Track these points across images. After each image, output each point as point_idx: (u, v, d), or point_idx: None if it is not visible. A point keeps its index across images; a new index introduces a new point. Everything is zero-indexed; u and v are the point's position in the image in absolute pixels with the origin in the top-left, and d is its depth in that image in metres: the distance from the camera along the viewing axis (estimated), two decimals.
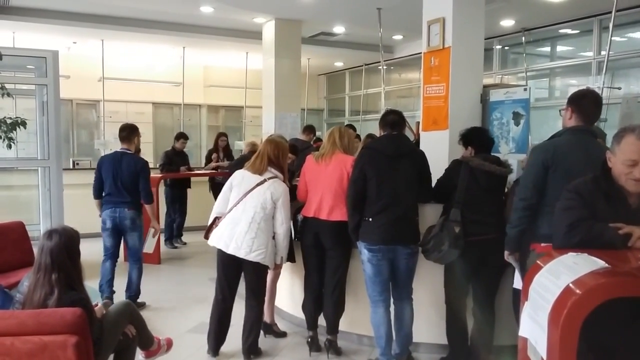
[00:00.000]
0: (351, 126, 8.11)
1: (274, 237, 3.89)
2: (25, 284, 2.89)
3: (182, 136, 8.11)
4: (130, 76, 10.57)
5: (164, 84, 10.93)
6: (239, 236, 3.77)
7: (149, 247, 5.89)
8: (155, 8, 7.69)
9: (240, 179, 3.94)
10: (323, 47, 9.79)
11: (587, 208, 2.16)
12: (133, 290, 5.16)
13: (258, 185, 3.84)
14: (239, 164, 5.13)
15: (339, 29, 8.79)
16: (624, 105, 5.57)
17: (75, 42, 9.38)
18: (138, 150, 5.46)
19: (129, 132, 5.20)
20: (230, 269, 3.90)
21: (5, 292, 3.45)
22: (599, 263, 1.77)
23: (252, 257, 3.76)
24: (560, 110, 3.21)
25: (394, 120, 3.77)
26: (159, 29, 8.58)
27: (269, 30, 8.16)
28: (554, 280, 1.81)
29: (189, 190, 8.28)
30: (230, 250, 3.79)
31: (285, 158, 4.04)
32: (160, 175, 7.64)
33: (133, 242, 5.15)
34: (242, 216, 3.81)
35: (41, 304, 2.76)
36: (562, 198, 2.27)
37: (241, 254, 3.76)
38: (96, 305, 3.20)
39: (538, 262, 2.04)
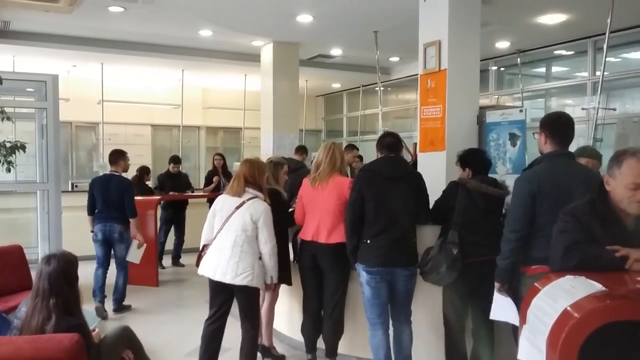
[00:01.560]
0: (354, 146, 8.19)
1: (261, 258, 3.82)
2: (22, 310, 2.88)
3: (172, 160, 8.28)
4: (130, 98, 10.64)
5: (163, 106, 11.00)
6: (223, 262, 3.73)
7: (134, 257, 6.03)
8: (154, 32, 7.77)
9: (221, 204, 3.90)
10: (320, 69, 9.88)
11: (583, 231, 2.17)
12: (119, 294, 5.88)
13: (237, 208, 3.79)
14: None
15: (336, 52, 8.88)
16: (619, 126, 5.62)
17: (75, 66, 9.46)
18: (126, 172, 6.21)
19: (115, 156, 6.05)
20: (221, 294, 3.86)
21: (2, 317, 3.44)
22: (596, 286, 1.78)
23: (238, 281, 3.70)
24: (534, 134, 3.24)
25: (390, 142, 3.80)
26: (158, 53, 8.66)
27: (267, 53, 8.24)
28: (552, 303, 1.82)
29: (188, 211, 8.31)
30: (217, 277, 3.75)
31: (262, 176, 3.97)
32: (157, 197, 7.65)
33: (120, 252, 5.89)
34: (224, 242, 3.78)
35: (39, 329, 2.76)
36: (559, 220, 2.28)
37: (227, 279, 3.71)
38: (94, 330, 3.19)
39: (536, 284, 2.05)
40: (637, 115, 6.88)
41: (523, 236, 2.96)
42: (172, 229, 8.27)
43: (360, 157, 7.88)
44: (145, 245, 6.12)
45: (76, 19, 6.86)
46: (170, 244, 8.29)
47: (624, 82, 7.46)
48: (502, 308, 3.15)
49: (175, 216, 8.17)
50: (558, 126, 3.05)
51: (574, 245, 2.11)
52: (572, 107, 8.59)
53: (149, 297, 6.57)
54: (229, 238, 3.76)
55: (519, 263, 2.99)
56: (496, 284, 3.18)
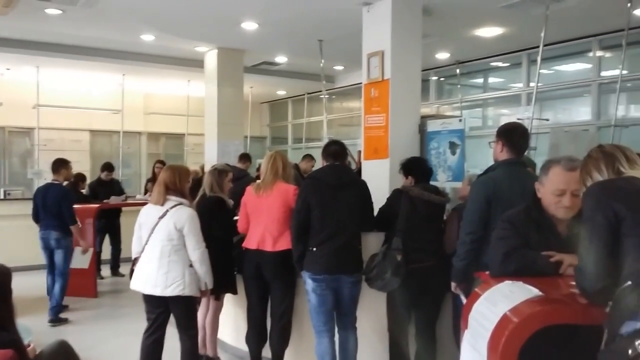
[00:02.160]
0: (311, 156, 8.23)
1: (191, 265, 3.69)
2: None
3: (106, 168, 8.11)
4: (67, 103, 10.25)
5: (103, 111, 10.68)
6: (152, 274, 3.63)
7: (80, 263, 6.13)
8: (94, 35, 7.55)
9: (145, 214, 3.79)
10: (265, 76, 9.87)
11: (520, 237, 2.27)
12: (55, 302, 5.80)
13: (161, 217, 3.67)
14: None
15: (281, 59, 8.89)
16: (553, 136, 5.89)
17: (8, 69, 9.06)
18: (69, 180, 6.38)
19: (57, 165, 6.09)
20: (156, 306, 3.77)
21: None
22: (533, 291, 1.85)
23: (169, 292, 3.61)
24: (489, 143, 3.36)
25: (336, 150, 3.84)
26: (97, 57, 8.41)
27: (211, 59, 8.16)
28: (492, 308, 1.88)
29: (124, 219, 8.10)
30: (147, 290, 3.66)
31: (184, 182, 3.82)
32: (95, 205, 7.42)
33: (58, 259, 5.89)
34: (151, 253, 3.67)
35: None
36: (497, 228, 2.37)
37: (157, 291, 3.62)
38: (28, 345, 3.05)
39: (476, 290, 2.12)
40: (568, 125, 7.25)
41: (478, 238, 3.06)
42: (108, 238, 8.04)
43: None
44: (91, 249, 6.21)
45: (11, 20, 6.57)
46: (107, 253, 8.06)
47: (556, 93, 7.83)
48: None
49: (109, 225, 7.94)
50: (514, 136, 3.18)
51: (512, 252, 2.20)
52: (508, 116, 8.94)
53: (87, 308, 6.36)
54: (155, 249, 3.65)
55: (473, 264, 3.08)
56: (452, 284, 3.28)
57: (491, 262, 2.26)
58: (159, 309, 3.77)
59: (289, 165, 4.12)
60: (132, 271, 3.85)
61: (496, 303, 1.90)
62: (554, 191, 2.27)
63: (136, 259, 3.82)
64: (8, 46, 7.88)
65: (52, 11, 6.29)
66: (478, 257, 3.08)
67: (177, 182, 3.76)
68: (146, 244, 3.72)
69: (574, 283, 1.89)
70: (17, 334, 2.83)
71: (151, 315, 3.82)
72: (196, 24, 6.76)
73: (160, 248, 3.64)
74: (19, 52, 8.01)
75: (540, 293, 1.85)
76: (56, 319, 5.76)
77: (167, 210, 3.67)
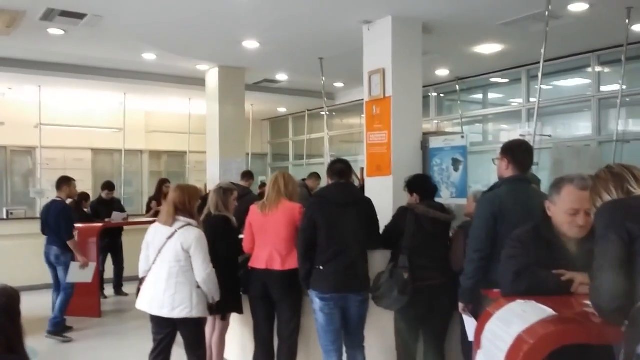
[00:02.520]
0: (317, 175, 8.25)
1: (198, 286, 3.68)
2: None
3: (106, 187, 8.13)
4: (69, 122, 10.29)
5: (104, 129, 10.72)
6: (159, 295, 3.62)
7: (78, 278, 6.03)
8: (96, 55, 7.59)
9: (153, 234, 3.78)
10: (266, 94, 9.91)
11: (530, 256, 2.28)
12: (55, 317, 5.92)
13: (169, 238, 3.66)
14: None
15: (281, 77, 8.94)
16: (555, 152, 5.91)
17: (10, 88, 9.10)
18: (73, 198, 6.46)
19: (60, 183, 6.26)
20: (163, 327, 3.76)
21: None
22: (547, 311, 1.86)
23: (176, 314, 3.60)
24: (494, 160, 3.36)
25: (341, 169, 3.85)
26: (99, 76, 8.44)
27: (212, 78, 8.21)
28: (506, 329, 1.89)
29: (126, 238, 8.11)
30: (154, 311, 3.66)
31: (194, 202, 3.83)
32: (99, 224, 7.42)
33: (59, 274, 6.03)
34: (159, 274, 3.66)
35: None
36: (507, 246, 2.38)
37: (164, 313, 3.61)
38: None
39: (488, 309, 2.12)
40: (569, 141, 7.28)
41: (486, 256, 3.04)
42: (110, 257, 8.03)
43: None
44: (94, 264, 6.20)
45: (13, 40, 6.61)
46: (110, 272, 8.05)
47: (556, 108, 7.87)
48: (473, 329, 3.19)
49: (111, 244, 7.93)
50: (519, 153, 3.19)
51: (523, 271, 2.21)
52: (508, 131, 8.99)
53: (91, 328, 6.33)
54: (163, 270, 3.64)
55: (481, 283, 3.07)
56: (460, 305, 3.24)
57: (502, 281, 2.27)
58: (167, 329, 3.76)
59: (293, 183, 4.11)
60: (138, 290, 3.85)
61: (509, 323, 1.90)
62: (567, 210, 2.27)
63: (143, 278, 3.81)
64: (10, 66, 7.92)
65: (54, 31, 6.33)
66: (486, 274, 3.08)
67: (187, 202, 3.76)
68: (153, 263, 3.72)
69: (586, 302, 1.89)
70: (27, 357, 2.82)
71: (158, 335, 3.80)
72: (198, 44, 6.82)
73: (168, 269, 3.63)
74: (21, 72, 8.05)
75: (554, 313, 1.86)
76: (54, 331, 5.83)
77: (175, 231, 3.67)
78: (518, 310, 1.97)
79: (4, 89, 9.11)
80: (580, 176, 2.31)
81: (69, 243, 5.94)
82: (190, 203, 3.77)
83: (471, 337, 3.22)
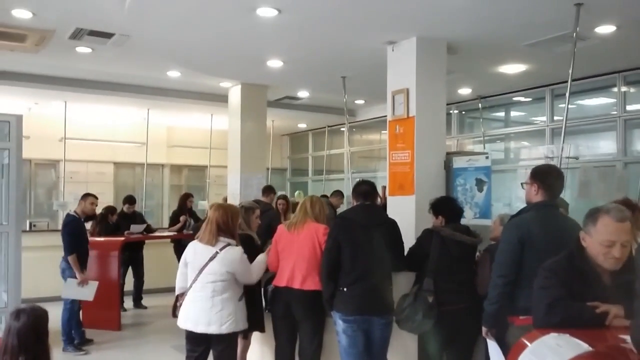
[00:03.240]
0: (340, 192, 8.32)
1: (240, 299, 3.78)
2: None
3: (127, 201, 8.26)
4: (93, 136, 10.44)
5: (127, 144, 10.85)
6: (204, 313, 3.66)
7: (81, 295, 5.98)
8: (121, 72, 7.72)
9: (193, 254, 3.80)
10: (287, 110, 9.96)
11: (563, 286, 2.24)
12: (63, 334, 5.88)
13: (211, 259, 3.68)
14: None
15: (303, 94, 8.99)
16: (582, 174, 5.83)
17: (37, 103, 9.27)
18: (88, 214, 6.38)
19: (80, 198, 6.34)
20: (200, 345, 3.78)
21: None
22: (582, 346, 1.83)
23: (224, 329, 3.66)
24: (522, 184, 3.31)
25: (366, 190, 3.86)
26: (124, 92, 8.58)
27: (235, 94, 8.28)
28: None
29: (147, 251, 8.19)
30: (200, 329, 3.67)
31: (236, 222, 3.88)
32: (121, 238, 7.50)
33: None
34: (202, 293, 3.69)
35: None
36: (539, 276, 2.35)
37: (213, 330, 3.65)
38: None
39: (523, 340, 2.09)
40: (595, 162, 7.17)
41: (511, 281, 3.01)
42: (131, 270, 8.12)
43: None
44: (93, 283, 6.01)
45: (40, 57, 6.75)
46: (129, 285, 8.13)
47: (579, 128, 7.79)
48: (495, 353, 3.16)
49: (132, 257, 8.02)
50: (550, 179, 3.15)
51: (556, 302, 2.17)
52: (529, 149, 8.92)
53: (111, 342, 6.36)
54: (206, 289, 3.68)
55: (505, 308, 3.03)
56: (483, 329, 3.20)
57: (534, 312, 2.24)
58: (202, 347, 3.79)
59: (320, 205, 4.11)
60: (174, 307, 3.92)
61: (544, 358, 1.88)
62: (603, 242, 2.24)
63: (179, 296, 3.88)
64: (37, 82, 8.08)
65: (82, 49, 6.45)
66: (510, 300, 3.04)
67: (230, 222, 3.79)
68: (194, 282, 3.74)
69: (622, 336, 1.86)
70: None
71: (193, 353, 3.83)
72: (223, 62, 6.88)
73: (212, 287, 3.67)
74: (47, 88, 8.20)
75: (590, 348, 1.83)
76: (66, 347, 5.89)
77: (217, 252, 3.69)
78: (552, 344, 1.94)
79: (31, 104, 9.27)
80: (617, 207, 2.27)
81: (69, 259, 5.89)
82: (232, 222, 3.81)
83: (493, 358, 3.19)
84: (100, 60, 6.96)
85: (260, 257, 4.04)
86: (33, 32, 5.74)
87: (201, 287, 3.70)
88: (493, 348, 3.17)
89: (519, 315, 2.91)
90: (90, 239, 6.88)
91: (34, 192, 10.46)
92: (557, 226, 2.99)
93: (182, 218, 8.36)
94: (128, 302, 8.09)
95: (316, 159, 12.49)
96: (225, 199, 8.37)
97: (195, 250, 3.79)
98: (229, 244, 3.75)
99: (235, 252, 3.73)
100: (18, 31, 5.71)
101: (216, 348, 3.78)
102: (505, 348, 2.98)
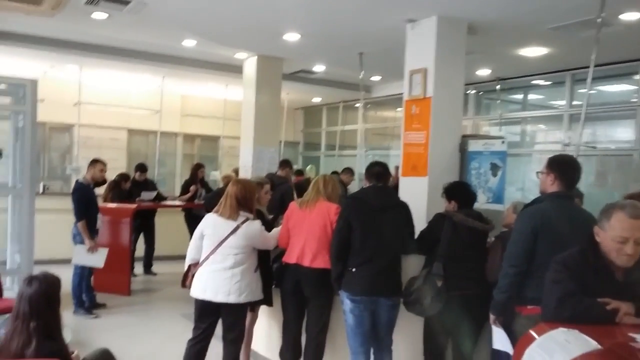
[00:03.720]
0: (351, 170, 8.33)
1: (255, 271, 3.89)
2: (2, 331, 2.81)
3: (138, 168, 8.35)
4: (107, 101, 10.43)
5: (141, 110, 10.84)
6: (224, 284, 3.75)
7: (90, 261, 6.04)
8: (136, 39, 7.66)
9: (212, 226, 3.87)
10: (302, 84, 9.88)
11: (575, 281, 2.23)
12: (73, 297, 6.03)
13: (232, 233, 3.78)
14: (215, 197, 5.16)
15: (319, 68, 8.90)
16: (598, 164, 5.76)
17: (52, 67, 9.25)
18: (97, 181, 6.44)
19: (88, 164, 6.41)
20: (210, 315, 3.87)
21: None
22: (590, 344, 1.83)
23: (242, 299, 3.78)
24: (537, 173, 3.27)
25: (379, 172, 3.84)
26: (139, 59, 8.52)
27: (250, 66, 8.21)
28: (547, 358, 1.86)
29: (158, 219, 8.26)
30: (218, 298, 3.76)
31: (253, 198, 3.97)
32: (133, 205, 7.57)
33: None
34: (221, 265, 3.78)
35: (19, 353, 2.68)
36: (551, 270, 2.33)
37: (231, 299, 3.76)
38: (72, 352, 3.12)
39: (531, 332, 2.08)
40: (611, 150, 7.07)
41: (522, 272, 3.00)
42: (142, 237, 8.22)
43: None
44: (103, 250, 6.04)
45: (56, 21, 6.70)
46: (140, 251, 8.23)
47: (597, 114, 7.66)
48: (500, 339, 3.18)
49: (143, 224, 8.11)
50: (568, 170, 3.12)
51: (567, 297, 2.16)
52: (545, 133, 8.81)
53: (121, 307, 6.48)
54: (226, 261, 3.78)
55: (514, 298, 3.04)
56: (491, 317, 3.20)
57: (545, 305, 2.23)
58: (212, 317, 3.88)
59: (333, 184, 4.11)
60: (184, 277, 4.02)
61: (551, 352, 1.87)
62: (616, 238, 2.22)
63: (191, 266, 3.97)
64: (52, 45, 8.05)
65: (98, 15, 6.40)
66: (520, 290, 3.04)
67: (248, 197, 3.91)
68: (211, 253, 3.81)
69: (632, 335, 1.85)
70: (64, 343, 2.90)
71: (202, 324, 3.90)
72: (239, 33, 6.81)
73: (234, 259, 3.78)
74: (63, 52, 8.17)
75: (598, 346, 1.82)
76: (77, 310, 6.04)
77: (239, 226, 3.80)
78: (561, 340, 1.94)
79: (46, 67, 9.26)
80: (633, 203, 2.24)
81: (78, 225, 5.96)
82: (250, 198, 3.92)
83: (496, 345, 3.21)
84: (116, 27, 6.90)
85: (275, 231, 4.15)
86: None
87: (222, 258, 3.78)
88: (500, 335, 3.18)
89: (527, 305, 2.91)
90: (103, 205, 6.96)
91: (48, 155, 10.52)
92: (572, 218, 2.96)
93: (192, 188, 8.42)
94: (138, 268, 8.21)
95: (329, 134, 12.42)
96: (236, 170, 8.38)
97: (215, 224, 3.86)
98: (247, 218, 3.85)
99: (254, 226, 3.87)
100: None
101: (227, 319, 3.86)
102: (512, 337, 2.99)
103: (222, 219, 3.84)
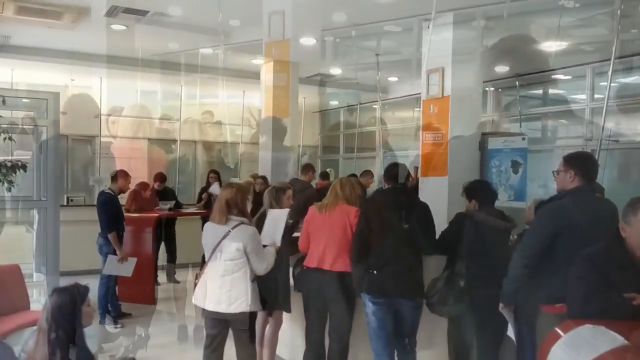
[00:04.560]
0: (370, 173, 8.26)
1: (253, 280, 3.76)
2: (29, 343, 2.84)
3: (157, 178, 8.34)
4: (127, 112, 10.56)
5: (161, 120, 10.95)
6: (215, 291, 3.71)
7: (120, 271, 6.09)
8: (154, 48, 7.77)
9: (206, 234, 3.83)
10: (319, 87, 9.90)
11: (601, 277, 2.19)
12: (99, 307, 5.96)
13: (223, 238, 3.70)
14: None
15: (335, 71, 8.91)
16: (621, 158, 5.66)
17: (73, 79, 9.42)
18: (124, 191, 6.49)
19: (116, 174, 6.37)
20: (217, 323, 3.83)
21: (1, 342, 3.39)
22: (617, 339, 1.79)
23: (233, 309, 3.67)
24: (554, 172, 3.20)
25: (397, 173, 3.81)
26: (158, 69, 8.64)
27: (267, 71, 8.24)
28: (574, 355, 1.83)
29: (179, 227, 8.31)
30: (210, 307, 3.73)
31: (244, 200, 3.85)
32: (155, 214, 7.63)
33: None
34: (214, 272, 3.74)
35: None
36: (577, 266, 2.29)
37: (222, 308, 3.68)
38: None
39: (557, 329, 2.05)
40: (637, 143, 6.90)
41: (531, 265, 2.98)
42: (163, 246, 8.26)
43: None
44: (132, 259, 6.10)
45: (77, 34, 6.84)
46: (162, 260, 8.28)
47: (619, 108, 7.51)
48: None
49: (164, 233, 8.14)
50: (588, 166, 3.07)
51: (592, 293, 2.13)
52: (567, 128, 8.67)
53: (146, 316, 6.51)
54: (218, 268, 3.71)
55: (523, 287, 3.03)
56: (500, 305, 3.19)
57: (570, 302, 2.20)
58: (220, 325, 3.83)
59: (351, 186, 4.05)
60: (195, 285, 3.94)
61: (578, 349, 1.84)
62: None
63: (197, 274, 3.93)
64: (74, 58, 8.19)
65: (117, 27, 6.51)
66: (546, 289, 2.98)
67: (239, 201, 3.77)
68: (207, 261, 3.78)
69: None
70: (89, 351, 2.93)
71: (212, 331, 3.87)
72: (256, 40, 6.85)
73: (224, 266, 3.69)
74: (83, 64, 8.32)
75: (625, 342, 1.78)
76: (102, 320, 6.03)
77: (229, 231, 3.70)
78: (587, 336, 1.91)
79: (67, 80, 9.42)
80: None
81: (109, 237, 5.97)
82: (241, 201, 3.79)
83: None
84: (134, 37, 7.00)
85: (270, 249, 3.96)
86: (70, 10, 5.80)
87: (214, 265, 3.74)
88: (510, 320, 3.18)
89: (554, 304, 2.86)
90: (126, 215, 7.03)
91: (71, 167, 10.68)
92: (596, 212, 2.91)
93: (203, 195, 8.43)
94: (161, 277, 8.25)
95: (347, 136, 12.40)
96: (254, 176, 8.39)
97: (209, 230, 3.81)
98: (241, 223, 3.74)
99: (247, 230, 3.72)
100: (55, 8, 5.79)
101: (233, 327, 3.83)
102: (537, 336, 2.93)
103: (214, 224, 3.78)
